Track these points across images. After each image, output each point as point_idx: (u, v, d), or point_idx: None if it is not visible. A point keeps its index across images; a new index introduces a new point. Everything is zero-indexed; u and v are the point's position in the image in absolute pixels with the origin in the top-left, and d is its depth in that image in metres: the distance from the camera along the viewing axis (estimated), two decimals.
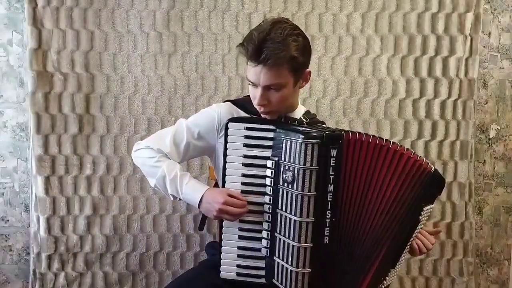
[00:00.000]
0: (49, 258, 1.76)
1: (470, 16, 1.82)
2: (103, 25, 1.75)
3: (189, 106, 1.77)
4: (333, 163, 1.01)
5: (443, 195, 1.84)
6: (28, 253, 1.84)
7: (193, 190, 1.13)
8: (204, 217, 1.25)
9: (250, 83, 1.12)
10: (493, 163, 1.99)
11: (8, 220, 1.86)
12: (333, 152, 1.00)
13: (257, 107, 1.14)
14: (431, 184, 1.08)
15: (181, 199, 1.17)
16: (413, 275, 1.87)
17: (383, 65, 1.82)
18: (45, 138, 1.73)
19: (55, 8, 1.71)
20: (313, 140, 0.99)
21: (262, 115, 1.17)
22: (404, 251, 1.12)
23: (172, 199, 1.19)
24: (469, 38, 1.83)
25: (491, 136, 1.98)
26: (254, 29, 1.10)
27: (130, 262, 1.80)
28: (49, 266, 1.76)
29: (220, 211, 1.07)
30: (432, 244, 1.18)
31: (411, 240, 1.12)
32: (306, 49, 1.11)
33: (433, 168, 1.08)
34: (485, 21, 1.92)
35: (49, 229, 1.75)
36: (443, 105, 1.84)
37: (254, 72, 1.08)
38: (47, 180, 1.74)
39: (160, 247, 1.80)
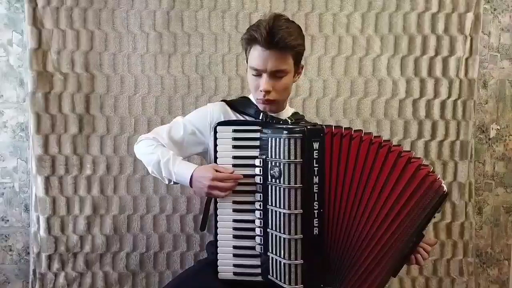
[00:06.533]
0: (49, 258, 1.76)
1: (470, 16, 1.82)
2: (103, 25, 1.75)
3: (189, 106, 1.77)
4: (316, 155, 1.05)
5: None
6: (28, 253, 1.84)
7: (183, 170, 1.17)
8: (205, 217, 1.26)
9: (254, 72, 1.17)
10: (493, 163, 1.99)
11: (8, 220, 1.87)
12: (316, 145, 1.05)
13: (260, 96, 1.18)
14: (442, 203, 1.09)
15: (176, 182, 1.20)
16: (413, 275, 1.87)
17: (383, 65, 1.82)
18: (45, 138, 1.73)
19: (55, 8, 1.72)
20: (295, 135, 1.03)
21: (262, 106, 1.21)
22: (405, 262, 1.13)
23: (167, 183, 1.23)
24: (469, 38, 1.83)
25: (491, 136, 1.99)
26: (258, 21, 1.16)
27: (130, 262, 1.79)
28: (49, 266, 1.76)
29: (210, 188, 1.10)
30: (428, 253, 1.16)
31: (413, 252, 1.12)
32: (304, 37, 1.20)
33: (445, 189, 1.08)
34: (485, 21, 1.92)
35: (49, 229, 1.75)
36: (443, 105, 1.84)
37: (262, 58, 1.14)
38: (47, 180, 1.74)
39: (160, 247, 1.80)
